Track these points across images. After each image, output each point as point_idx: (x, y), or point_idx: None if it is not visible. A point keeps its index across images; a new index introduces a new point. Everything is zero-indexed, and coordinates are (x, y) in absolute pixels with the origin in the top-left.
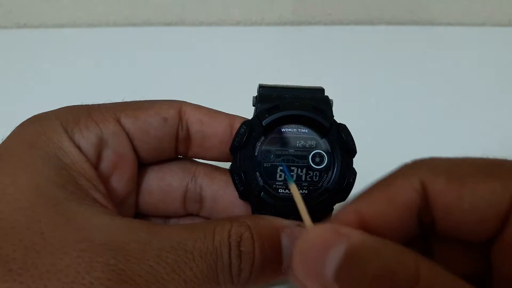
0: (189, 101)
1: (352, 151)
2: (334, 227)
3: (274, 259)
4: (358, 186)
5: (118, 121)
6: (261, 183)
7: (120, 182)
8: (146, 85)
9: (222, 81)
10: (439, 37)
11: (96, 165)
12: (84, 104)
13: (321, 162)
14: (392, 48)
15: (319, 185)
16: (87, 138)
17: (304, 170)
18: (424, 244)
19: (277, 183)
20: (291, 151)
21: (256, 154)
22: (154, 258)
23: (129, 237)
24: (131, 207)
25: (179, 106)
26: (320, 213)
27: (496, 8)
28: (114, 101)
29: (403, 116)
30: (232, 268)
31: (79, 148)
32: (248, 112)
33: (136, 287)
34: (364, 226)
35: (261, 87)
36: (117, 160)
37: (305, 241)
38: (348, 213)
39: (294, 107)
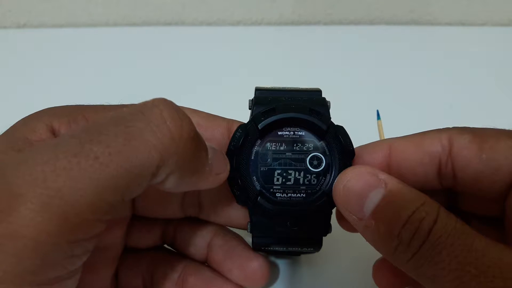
0: (188, 101)
1: (350, 153)
2: (374, 171)
3: None
4: None
5: None
6: (258, 187)
7: None
8: (146, 84)
9: (222, 81)
10: (439, 37)
11: None
12: (79, 104)
13: (319, 165)
14: (392, 48)
15: (317, 188)
16: None
17: (302, 173)
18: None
19: (274, 187)
20: (288, 154)
21: (252, 158)
22: None
23: None
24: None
25: None
26: (318, 217)
27: (496, 8)
28: (112, 102)
29: (402, 116)
30: None
31: None
32: (247, 112)
33: None
34: (390, 162)
35: (257, 90)
36: None
37: (347, 180)
38: (381, 145)
39: (290, 110)
